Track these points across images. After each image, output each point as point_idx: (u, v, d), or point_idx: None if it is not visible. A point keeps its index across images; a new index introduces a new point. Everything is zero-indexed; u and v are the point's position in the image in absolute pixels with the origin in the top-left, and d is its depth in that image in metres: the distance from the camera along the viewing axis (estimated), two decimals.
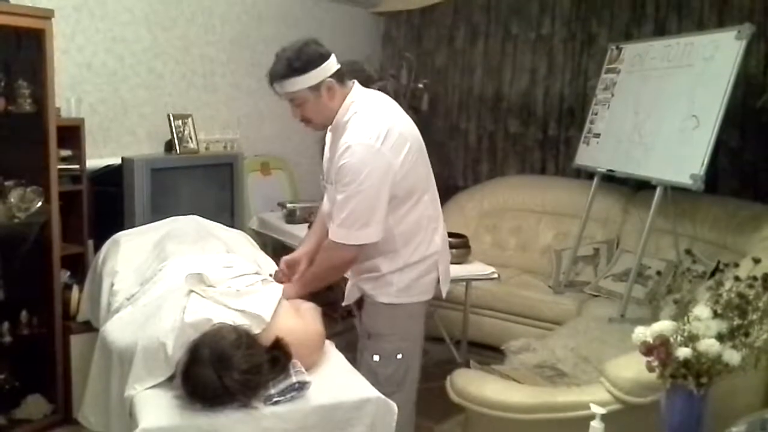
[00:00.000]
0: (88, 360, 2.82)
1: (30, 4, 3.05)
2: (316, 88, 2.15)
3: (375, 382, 2.00)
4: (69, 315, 3.07)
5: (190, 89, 4.14)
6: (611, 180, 4.15)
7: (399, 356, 2.29)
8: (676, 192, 3.54)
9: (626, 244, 4.18)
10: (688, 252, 1.93)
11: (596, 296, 3.95)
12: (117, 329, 1.99)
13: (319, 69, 2.14)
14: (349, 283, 2.38)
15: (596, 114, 4.20)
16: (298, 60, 2.13)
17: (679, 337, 1.60)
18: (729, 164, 4.01)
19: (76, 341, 3.03)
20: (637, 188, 4.29)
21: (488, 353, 3.74)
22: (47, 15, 2.83)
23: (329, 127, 2.29)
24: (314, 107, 2.18)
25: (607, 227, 4.34)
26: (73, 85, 3.45)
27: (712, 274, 3.44)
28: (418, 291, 2.30)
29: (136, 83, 3.81)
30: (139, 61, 3.81)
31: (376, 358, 2.28)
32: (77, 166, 3.16)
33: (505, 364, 2.93)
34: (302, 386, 1.76)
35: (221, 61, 4.33)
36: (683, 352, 1.55)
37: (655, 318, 3.33)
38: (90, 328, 2.80)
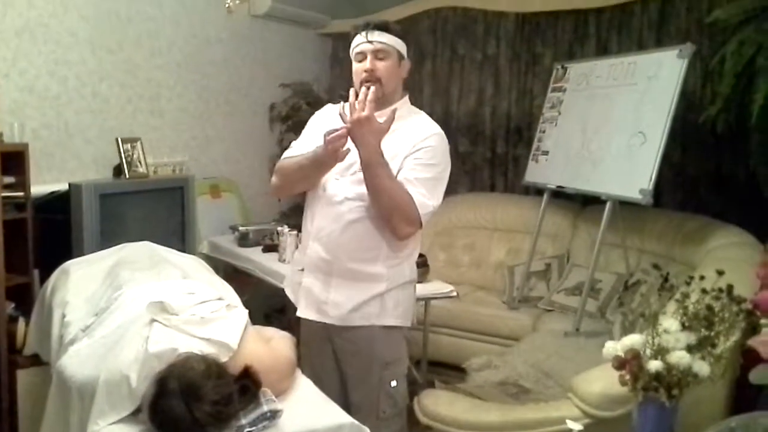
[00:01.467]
0: (35, 395, 2.71)
1: None
2: (401, 57, 2.23)
3: (394, 405, 2.09)
4: (15, 348, 2.93)
5: (136, 113, 4.05)
6: (559, 196, 4.23)
7: (405, 372, 2.33)
8: (623, 206, 3.62)
9: (576, 258, 4.26)
10: (656, 266, 1.98)
11: (550, 311, 4.00)
12: (75, 363, 1.91)
13: (406, 45, 2.25)
14: (345, 309, 2.22)
15: (544, 132, 4.28)
16: (398, 27, 2.26)
17: (648, 350, 1.62)
18: (672, 178, 4.14)
19: (23, 375, 2.90)
20: (584, 203, 4.39)
21: (448, 371, 3.74)
22: None
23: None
24: (392, 69, 2.20)
25: (557, 242, 4.42)
26: (15, 110, 3.34)
27: (662, 285, 3.54)
28: (411, 314, 2.34)
29: (80, 107, 3.71)
30: (83, 84, 3.71)
31: (393, 383, 2.24)
32: (21, 194, 3.05)
33: (468, 382, 2.94)
34: (274, 415, 1.71)
35: (168, 84, 4.26)
36: (654, 365, 1.58)
37: (608, 331, 3.42)
38: (38, 361, 2.69)
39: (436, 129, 2.24)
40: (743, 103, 3.21)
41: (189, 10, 4.34)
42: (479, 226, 4.76)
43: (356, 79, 2.21)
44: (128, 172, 3.58)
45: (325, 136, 2.04)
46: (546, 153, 4.20)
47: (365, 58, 2.19)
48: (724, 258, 2.97)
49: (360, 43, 2.21)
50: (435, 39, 5.14)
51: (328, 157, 2.07)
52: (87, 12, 3.68)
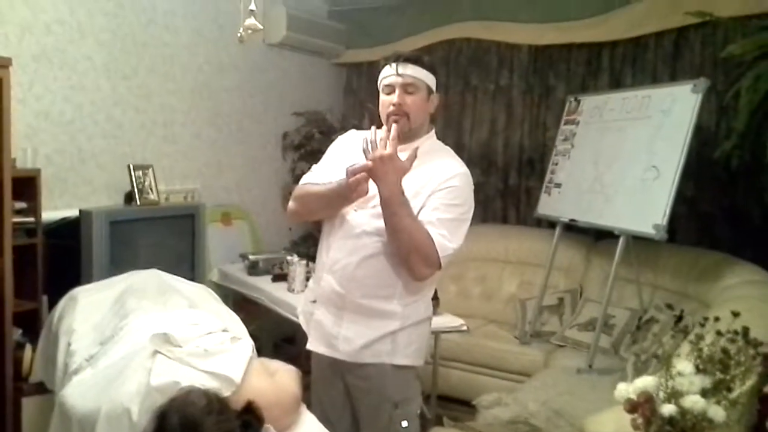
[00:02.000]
0: (40, 424, 2.68)
1: None
2: (430, 91, 2.19)
3: None
4: (21, 376, 2.91)
5: (149, 139, 4.07)
6: (571, 229, 4.19)
7: (418, 412, 2.27)
8: (636, 241, 3.58)
9: (589, 293, 4.20)
10: (669, 306, 1.94)
11: (562, 346, 3.94)
12: (77, 394, 1.88)
13: (436, 79, 2.21)
14: (356, 345, 2.16)
15: (556, 164, 4.26)
16: (430, 60, 2.21)
17: (662, 393, 1.58)
18: (686, 213, 4.09)
19: (28, 404, 2.87)
20: (597, 237, 4.35)
21: (457, 407, 3.68)
22: (4, 64, 2.76)
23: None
24: (420, 104, 2.16)
25: (569, 276, 4.37)
26: (30, 135, 3.36)
27: (676, 323, 3.48)
28: (424, 352, 2.28)
29: (94, 132, 3.73)
30: (98, 110, 3.74)
31: (404, 423, 2.18)
32: (32, 219, 3.06)
33: (477, 419, 2.88)
34: None
35: (182, 110, 4.28)
36: (668, 409, 1.52)
37: (622, 368, 3.36)
38: (43, 389, 2.65)
39: (461, 168, 2.17)
40: (758, 138, 3.18)
41: (204, 38, 4.38)
42: (490, 258, 4.71)
43: (383, 112, 2.18)
44: (139, 199, 3.58)
45: (347, 170, 2.01)
46: (559, 186, 4.18)
47: (393, 91, 2.14)
48: (740, 296, 2.92)
49: (389, 75, 2.16)
50: (448, 70, 5.15)
51: (349, 191, 2.03)
52: (103, 38, 3.72)
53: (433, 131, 2.28)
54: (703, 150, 3.79)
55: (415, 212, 2.06)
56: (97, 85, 3.73)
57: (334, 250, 2.18)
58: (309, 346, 2.27)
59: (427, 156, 2.14)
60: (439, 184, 2.10)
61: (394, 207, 1.99)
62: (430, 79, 2.17)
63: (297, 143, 5.08)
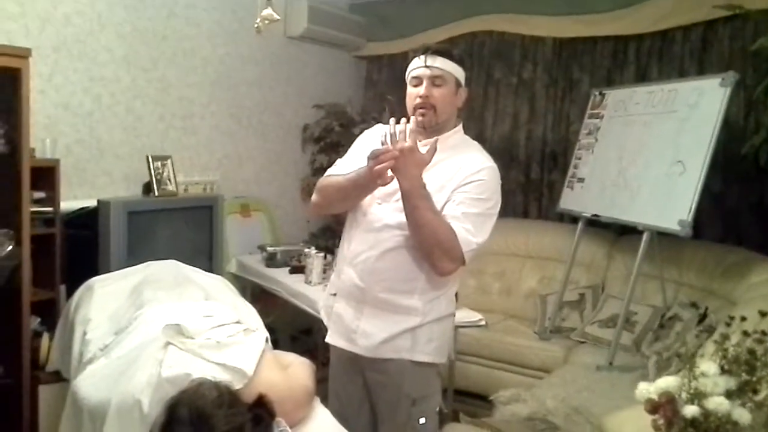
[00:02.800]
0: (57, 411, 2.67)
1: (7, 43, 2.98)
2: (458, 84, 2.14)
3: None
4: (38, 364, 2.92)
5: (168, 130, 4.07)
6: (594, 224, 4.12)
7: (437, 409, 2.23)
8: (660, 237, 3.51)
9: (611, 289, 4.13)
10: (694, 305, 1.88)
11: (583, 342, 3.88)
12: (89, 384, 1.88)
13: (465, 73, 2.16)
14: (375, 340, 2.13)
15: (580, 159, 4.19)
16: (459, 53, 2.17)
17: (684, 394, 1.52)
18: (712, 209, 4.00)
19: (45, 392, 2.88)
20: (620, 232, 4.27)
21: (475, 401, 3.65)
22: (24, 54, 2.75)
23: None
24: (448, 97, 2.12)
25: (591, 272, 4.30)
26: (49, 126, 3.37)
27: (700, 321, 3.41)
28: (446, 349, 2.23)
29: (113, 124, 3.73)
30: (117, 101, 3.74)
31: (422, 420, 2.14)
32: (51, 209, 3.06)
33: (495, 415, 2.83)
34: None
35: (201, 102, 4.27)
36: (690, 410, 1.47)
37: (643, 366, 3.29)
38: (60, 378, 2.67)
39: (488, 162, 2.11)
40: None
41: (225, 30, 4.36)
42: (511, 253, 4.66)
43: (409, 104, 2.14)
44: (157, 189, 3.58)
45: (369, 157, 1.96)
46: (582, 180, 4.11)
47: (421, 83, 2.10)
48: (766, 295, 2.84)
49: (417, 67, 2.12)
50: (470, 63, 5.08)
51: (370, 180, 1.98)
52: (123, 30, 3.72)
53: (461, 125, 2.23)
54: (731, 145, 3.70)
55: (440, 206, 2.01)
56: (117, 76, 3.73)
57: (355, 243, 2.15)
58: (328, 340, 2.24)
59: (454, 150, 2.11)
60: (465, 177, 2.05)
61: (415, 200, 1.95)
62: (459, 72, 2.12)
63: (317, 136, 5.05)
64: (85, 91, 3.56)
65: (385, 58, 5.44)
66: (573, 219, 4.30)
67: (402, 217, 2.01)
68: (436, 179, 2.01)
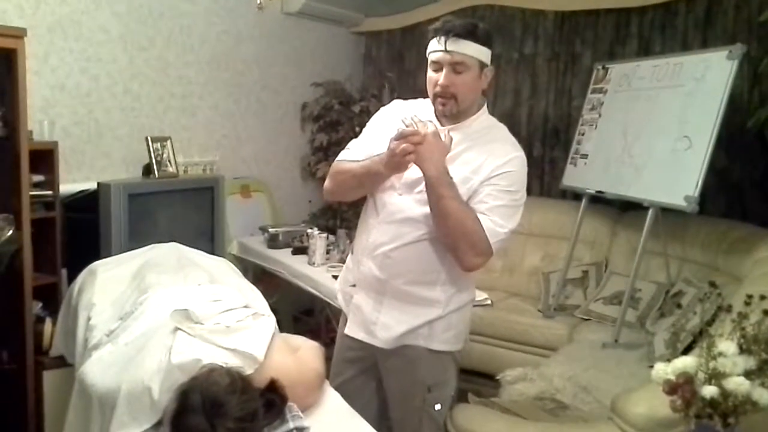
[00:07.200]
0: (61, 396, 2.66)
1: (0, 23, 2.92)
2: (482, 66, 1.98)
3: (437, 429, 2.00)
4: (41, 349, 2.89)
5: (167, 111, 4.01)
6: (597, 201, 4.09)
7: (452, 394, 2.21)
8: (664, 213, 3.49)
9: (615, 266, 4.12)
10: (713, 284, 1.86)
11: (587, 320, 3.88)
12: (97, 371, 1.84)
13: (491, 51, 1.99)
14: (395, 333, 2.09)
15: (583, 134, 4.15)
16: (484, 31, 1.97)
17: (702, 375, 1.51)
18: (716, 184, 3.98)
19: (49, 377, 2.85)
20: (624, 209, 4.24)
21: (479, 380, 3.64)
22: (19, 34, 2.69)
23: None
24: (470, 84, 1.97)
25: (594, 249, 4.29)
26: (46, 108, 3.32)
27: (705, 297, 3.39)
28: (463, 337, 2.20)
29: (111, 105, 3.68)
30: (114, 82, 3.68)
31: (438, 407, 2.12)
32: (50, 192, 3.01)
33: (502, 395, 2.83)
34: None
35: (199, 82, 4.21)
36: (709, 391, 1.46)
37: (648, 342, 3.29)
38: (64, 363, 2.63)
39: (516, 152, 2.03)
40: None
41: (221, 7, 4.29)
42: (513, 231, 4.62)
43: (429, 89, 2.03)
44: (158, 171, 3.54)
45: (393, 138, 1.86)
46: (585, 156, 4.07)
47: (441, 68, 1.97)
48: None
49: (436, 50, 1.97)
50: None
51: (390, 164, 1.90)
52: (119, 8, 3.65)
53: (485, 107, 2.12)
54: (735, 118, 3.66)
55: (465, 198, 1.94)
56: (114, 56, 3.67)
57: (375, 234, 2.08)
58: (347, 332, 2.19)
59: (480, 136, 2.02)
60: (493, 170, 1.96)
61: (441, 188, 1.86)
62: (483, 54, 1.96)
63: (316, 114, 4.99)
64: (81, 72, 3.50)
65: (384, 34, 5.35)
66: (576, 196, 4.28)
67: (425, 210, 1.95)
68: (462, 169, 1.95)
